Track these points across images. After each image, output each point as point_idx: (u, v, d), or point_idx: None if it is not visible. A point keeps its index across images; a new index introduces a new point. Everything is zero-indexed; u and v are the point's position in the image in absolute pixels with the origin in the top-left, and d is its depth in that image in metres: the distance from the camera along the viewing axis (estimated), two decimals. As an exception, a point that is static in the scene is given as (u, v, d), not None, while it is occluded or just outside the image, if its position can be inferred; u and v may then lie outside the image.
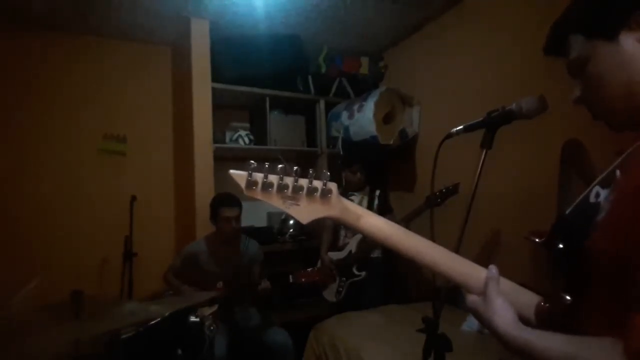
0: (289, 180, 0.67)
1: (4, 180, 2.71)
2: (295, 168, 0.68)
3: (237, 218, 2.43)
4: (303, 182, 0.68)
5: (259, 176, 0.67)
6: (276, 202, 0.68)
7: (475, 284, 0.69)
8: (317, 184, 0.69)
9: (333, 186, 0.70)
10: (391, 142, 2.98)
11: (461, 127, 1.08)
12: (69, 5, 2.57)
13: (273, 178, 0.67)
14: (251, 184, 0.66)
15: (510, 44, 2.33)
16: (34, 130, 2.83)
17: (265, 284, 2.37)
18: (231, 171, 0.67)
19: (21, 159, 2.78)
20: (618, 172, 0.65)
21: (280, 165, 0.67)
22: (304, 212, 0.69)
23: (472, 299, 0.68)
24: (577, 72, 0.71)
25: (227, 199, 2.41)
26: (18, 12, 2.63)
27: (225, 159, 3.01)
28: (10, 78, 2.78)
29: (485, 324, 0.65)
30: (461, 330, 2.09)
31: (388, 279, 2.78)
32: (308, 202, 0.69)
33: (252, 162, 0.66)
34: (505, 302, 0.64)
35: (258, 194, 0.67)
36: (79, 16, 2.71)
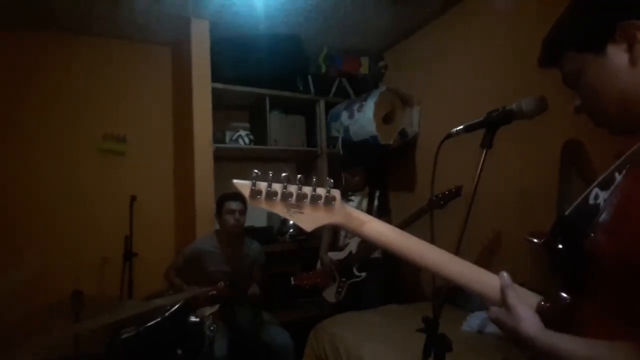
0: (292, 189, 0.68)
1: (4, 180, 2.71)
2: (298, 176, 0.68)
3: (241, 212, 2.46)
4: (306, 190, 0.68)
5: (262, 185, 0.67)
6: (280, 211, 0.68)
7: (479, 288, 0.69)
8: (321, 191, 0.69)
9: (336, 193, 0.70)
10: (391, 142, 2.98)
11: (461, 127, 1.08)
12: (69, 5, 2.57)
13: (277, 187, 0.67)
14: (255, 193, 0.67)
15: (510, 44, 2.33)
16: (34, 130, 2.82)
17: (254, 289, 2.37)
18: (235, 181, 0.68)
19: (21, 159, 2.78)
20: (617, 175, 0.66)
21: (283, 174, 0.68)
22: (308, 219, 0.69)
23: (494, 310, 0.68)
24: (572, 83, 0.73)
25: (231, 194, 2.47)
26: (18, 12, 2.63)
27: (225, 159, 3.01)
28: (10, 78, 2.78)
29: (511, 332, 0.65)
30: (461, 330, 2.10)
31: (388, 279, 2.78)
32: (312, 209, 0.69)
33: (256, 171, 0.67)
34: (528, 308, 0.65)
35: (262, 202, 0.68)
36: (79, 16, 2.71)
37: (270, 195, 0.67)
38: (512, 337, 0.65)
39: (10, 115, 2.76)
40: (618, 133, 0.72)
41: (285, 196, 0.67)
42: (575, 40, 0.70)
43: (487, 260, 2.32)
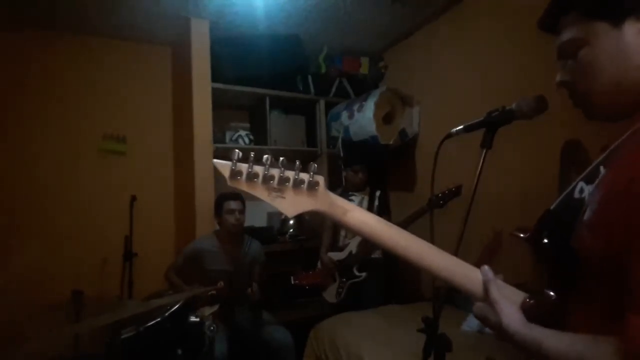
0: (275, 172, 0.65)
1: (4, 180, 2.71)
2: (281, 159, 0.66)
3: (241, 211, 2.47)
4: (289, 173, 0.66)
5: (243, 166, 0.64)
6: (261, 194, 0.65)
7: (463, 283, 0.68)
8: (304, 176, 0.66)
9: (320, 179, 0.67)
10: (391, 142, 2.97)
11: (461, 127, 1.08)
12: (68, 5, 2.57)
13: (258, 169, 0.64)
14: (235, 173, 0.64)
15: (511, 44, 2.33)
16: (34, 130, 2.83)
17: (253, 287, 2.37)
18: (215, 160, 0.65)
19: (21, 159, 2.78)
20: (602, 168, 0.65)
21: (265, 156, 0.65)
22: (290, 204, 0.66)
23: (478, 305, 0.68)
24: (569, 54, 0.68)
25: (231, 194, 2.47)
26: (18, 12, 2.63)
27: (225, 159, 3.00)
28: (10, 78, 2.78)
29: (495, 328, 0.65)
30: (461, 330, 2.10)
31: (388, 279, 2.78)
32: (294, 194, 0.66)
33: (237, 151, 0.64)
34: (510, 304, 0.64)
35: (242, 184, 0.65)
36: (79, 16, 2.71)
37: (251, 177, 0.64)
38: (495, 332, 0.65)
39: (10, 115, 2.76)
40: (598, 118, 0.68)
41: (267, 179, 0.65)
42: (596, 3, 0.64)
43: (487, 260, 2.32)
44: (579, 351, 0.56)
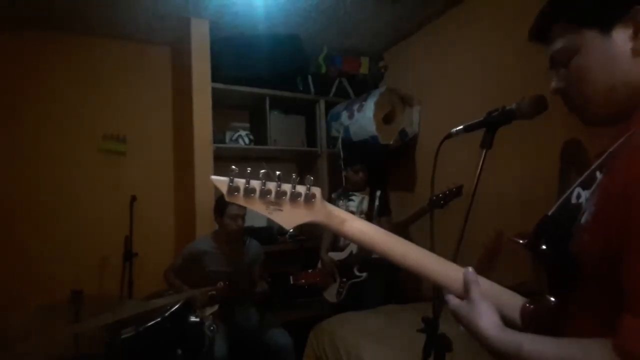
0: (271, 186, 0.67)
1: (4, 180, 2.71)
2: (277, 173, 0.68)
3: (243, 217, 2.46)
4: (286, 187, 0.68)
5: (240, 182, 0.66)
6: (259, 208, 0.67)
7: (461, 289, 0.69)
8: (301, 188, 0.68)
9: (317, 191, 0.69)
10: (391, 142, 2.97)
11: (461, 127, 1.08)
12: (68, 5, 2.57)
13: (255, 183, 0.66)
14: (233, 189, 0.66)
15: (511, 44, 2.33)
16: (34, 130, 2.82)
17: (261, 286, 2.37)
18: (212, 177, 0.67)
19: (21, 158, 2.78)
20: (598, 174, 0.65)
21: (262, 171, 0.67)
22: (288, 217, 0.68)
23: (455, 302, 0.68)
24: (561, 62, 0.70)
25: None
26: (17, 12, 2.63)
27: (225, 159, 3.01)
28: (9, 78, 2.77)
29: (470, 327, 0.65)
30: (461, 330, 2.09)
31: (388, 279, 2.78)
32: (291, 207, 0.69)
33: (234, 167, 0.66)
34: (490, 306, 0.65)
35: (240, 199, 0.67)
36: (79, 16, 2.71)
37: (249, 192, 0.66)
38: (469, 331, 0.65)
39: (10, 115, 2.76)
40: (593, 123, 0.69)
41: (264, 193, 0.67)
42: (583, 13, 0.65)
43: (487, 259, 2.32)
44: (568, 353, 0.55)
